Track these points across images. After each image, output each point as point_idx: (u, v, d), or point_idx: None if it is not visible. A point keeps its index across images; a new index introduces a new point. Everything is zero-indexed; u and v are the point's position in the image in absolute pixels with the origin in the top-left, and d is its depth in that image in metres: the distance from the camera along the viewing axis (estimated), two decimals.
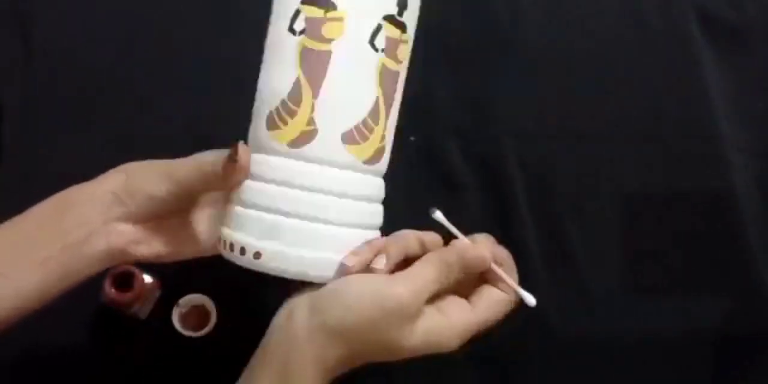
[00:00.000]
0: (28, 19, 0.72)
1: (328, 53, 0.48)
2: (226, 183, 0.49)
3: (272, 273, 0.48)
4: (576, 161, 0.72)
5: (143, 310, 0.64)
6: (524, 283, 0.68)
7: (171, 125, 0.70)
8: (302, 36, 0.48)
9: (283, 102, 0.49)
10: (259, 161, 0.49)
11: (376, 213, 0.53)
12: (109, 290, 0.61)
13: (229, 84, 0.70)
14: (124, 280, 0.62)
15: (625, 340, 0.68)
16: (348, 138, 0.49)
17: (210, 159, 0.49)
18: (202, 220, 0.54)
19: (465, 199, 0.70)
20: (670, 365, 0.68)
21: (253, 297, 0.65)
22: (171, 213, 0.52)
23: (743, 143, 0.73)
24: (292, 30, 0.49)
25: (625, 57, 0.75)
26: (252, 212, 0.49)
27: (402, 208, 0.69)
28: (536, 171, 0.71)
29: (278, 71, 0.50)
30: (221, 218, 0.52)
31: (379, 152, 0.51)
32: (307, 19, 0.48)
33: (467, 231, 0.70)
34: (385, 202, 0.70)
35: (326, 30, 0.48)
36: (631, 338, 0.68)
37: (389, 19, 0.49)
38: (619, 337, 0.68)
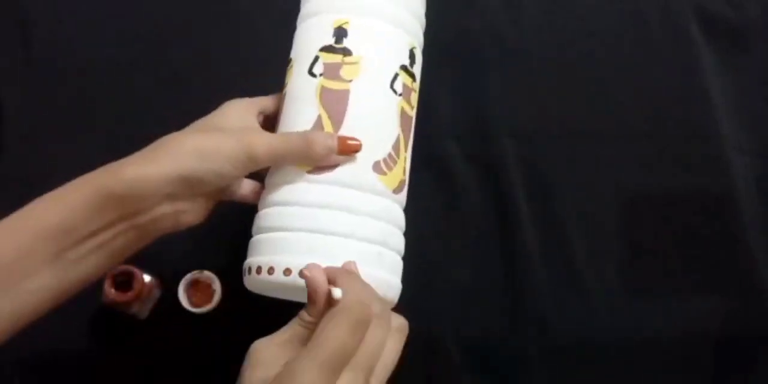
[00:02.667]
0: (28, 19, 0.72)
1: (347, 91, 0.53)
2: (324, 161, 0.51)
3: None
4: (576, 161, 0.72)
5: (143, 310, 0.64)
6: (525, 283, 0.69)
7: (171, 125, 0.70)
8: (321, 77, 0.54)
9: None
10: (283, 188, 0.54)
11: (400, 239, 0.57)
12: (109, 290, 0.61)
13: (229, 84, 0.71)
14: (124, 280, 0.62)
15: (625, 340, 0.68)
16: (377, 167, 0.53)
17: (295, 135, 0.52)
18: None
19: (465, 200, 0.70)
20: (670, 365, 0.68)
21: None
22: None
23: (743, 143, 0.73)
24: (311, 73, 0.54)
25: (625, 57, 0.75)
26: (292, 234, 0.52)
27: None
28: (536, 171, 0.71)
29: (299, 111, 0.55)
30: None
31: (402, 184, 0.56)
32: (325, 64, 0.54)
33: (465, 233, 0.70)
34: None
35: (344, 72, 0.54)
36: (631, 338, 0.68)
37: (404, 68, 0.56)
38: (619, 337, 0.68)
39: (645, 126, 0.73)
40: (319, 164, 0.52)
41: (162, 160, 0.48)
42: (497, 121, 0.72)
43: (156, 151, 0.49)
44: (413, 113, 0.58)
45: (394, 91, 0.55)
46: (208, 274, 0.65)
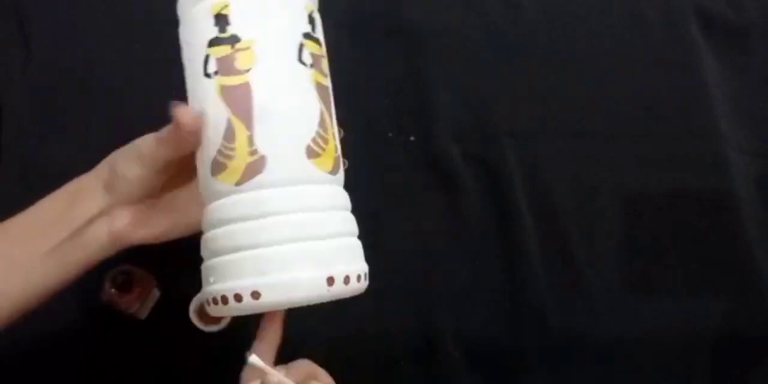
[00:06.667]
0: (28, 20, 0.72)
1: (247, 84, 0.47)
2: (181, 147, 0.48)
3: (276, 307, 0.47)
4: (576, 161, 0.72)
5: (143, 310, 0.64)
6: (525, 283, 0.69)
7: None
8: (217, 76, 0.48)
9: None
10: (217, 207, 0.48)
11: (350, 220, 0.51)
12: (109, 290, 0.61)
13: None
14: (124, 280, 0.62)
15: (625, 340, 0.68)
16: (309, 152, 0.47)
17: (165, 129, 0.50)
18: (184, 197, 0.54)
19: (465, 200, 0.70)
20: (670, 365, 0.68)
21: None
22: (158, 191, 0.52)
23: (743, 143, 0.73)
24: (207, 74, 0.49)
25: (625, 57, 0.75)
26: (232, 256, 0.46)
27: (402, 208, 0.70)
28: (536, 171, 0.71)
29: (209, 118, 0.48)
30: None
31: (338, 161, 0.50)
32: (218, 60, 0.48)
33: (465, 233, 0.70)
34: (385, 202, 0.70)
35: (239, 62, 0.47)
36: (631, 338, 0.68)
37: (307, 36, 0.49)
38: (619, 337, 0.68)
39: (645, 126, 0.73)
40: (182, 150, 0.48)
41: (96, 169, 0.52)
42: (497, 121, 0.72)
43: None
44: (329, 81, 0.51)
45: (304, 64, 0.48)
46: None
